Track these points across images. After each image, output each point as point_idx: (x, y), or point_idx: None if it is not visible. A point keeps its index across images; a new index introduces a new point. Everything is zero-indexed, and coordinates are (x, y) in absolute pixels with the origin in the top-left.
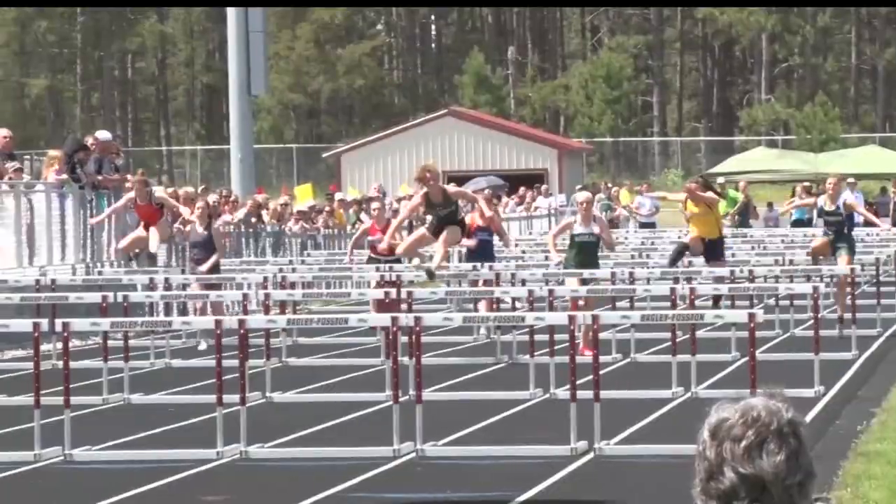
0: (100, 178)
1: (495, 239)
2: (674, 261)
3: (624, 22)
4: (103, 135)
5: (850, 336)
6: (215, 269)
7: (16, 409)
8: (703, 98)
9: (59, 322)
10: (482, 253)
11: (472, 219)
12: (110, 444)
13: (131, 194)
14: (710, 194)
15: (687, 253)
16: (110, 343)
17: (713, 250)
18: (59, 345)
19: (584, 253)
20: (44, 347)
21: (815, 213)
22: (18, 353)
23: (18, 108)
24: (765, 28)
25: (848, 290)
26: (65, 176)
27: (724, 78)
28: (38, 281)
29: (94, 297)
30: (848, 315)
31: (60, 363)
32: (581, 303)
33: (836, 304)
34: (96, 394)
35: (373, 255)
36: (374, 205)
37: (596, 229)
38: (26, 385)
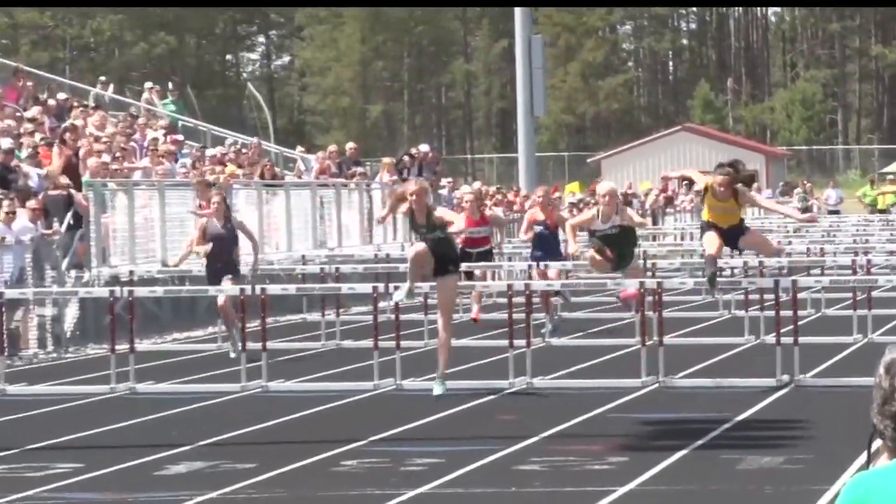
0: (423, 175)
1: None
2: (712, 282)
3: (816, 59)
4: (424, 147)
5: None
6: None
7: (359, 351)
8: (876, 115)
9: (391, 286)
10: (541, 246)
11: (532, 214)
12: (429, 376)
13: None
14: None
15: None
16: (430, 301)
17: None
18: (391, 302)
19: (611, 243)
20: (381, 305)
21: None
22: (362, 309)
23: (361, 127)
24: None
25: None
26: (395, 177)
27: (892, 100)
28: (375, 255)
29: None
30: None
31: (393, 316)
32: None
33: None
34: (419, 339)
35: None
36: (467, 197)
37: (617, 220)
38: (368, 332)
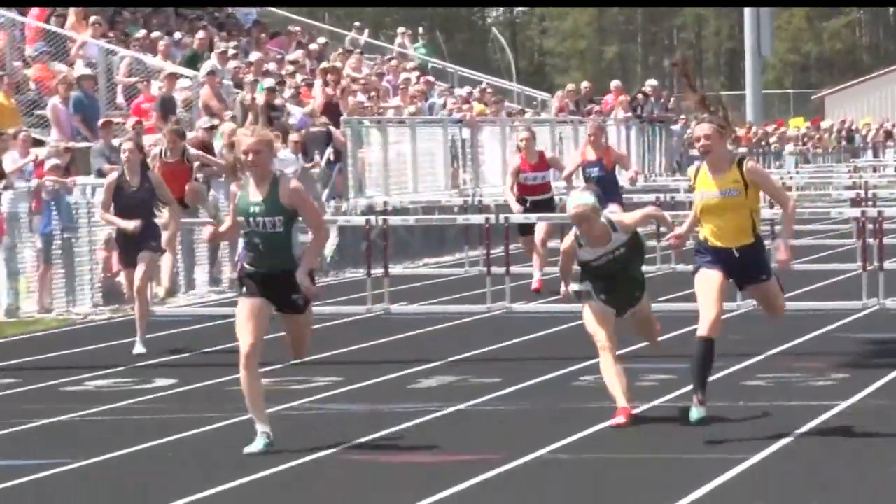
0: (655, 114)
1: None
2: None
3: None
4: (652, 82)
5: None
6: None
7: None
8: None
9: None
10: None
11: (581, 153)
12: (663, 298)
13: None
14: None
15: None
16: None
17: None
18: None
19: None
20: None
21: None
22: None
23: (597, 68)
24: None
25: None
26: (630, 114)
27: None
28: None
29: (647, 197)
30: None
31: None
32: None
33: None
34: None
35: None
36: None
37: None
38: None
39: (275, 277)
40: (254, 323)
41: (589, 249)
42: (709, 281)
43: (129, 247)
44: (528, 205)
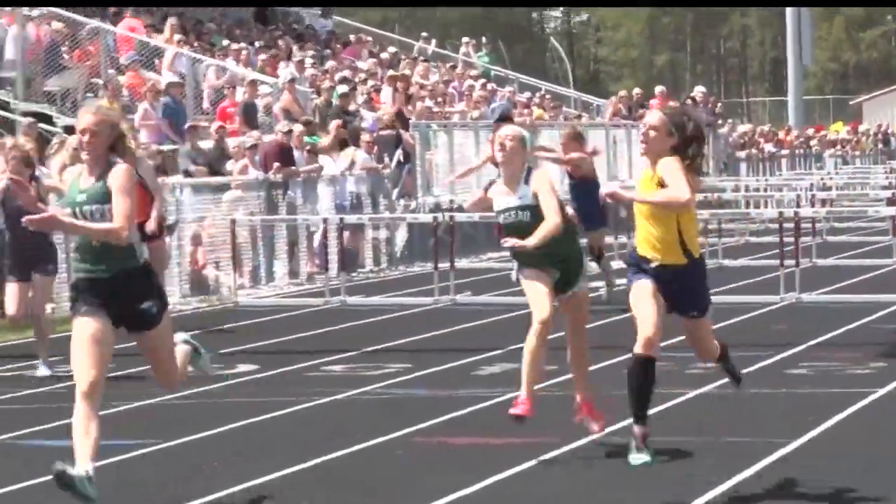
0: (703, 116)
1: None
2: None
3: None
4: (700, 88)
5: None
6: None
7: None
8: None
9: None
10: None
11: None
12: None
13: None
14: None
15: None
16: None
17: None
18: None
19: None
20: None
21: None
22: None
23: (648, 76)
24: None
25: None
26: None
27: None
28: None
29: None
30: None
31: None
32: None
33: None
34: None
35: None
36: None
37: (529, 191)
38: None
39: (117, 282)
40: (95, 351)
41: (502, 192)
42: (641, 291)
43: (22, 261)
44: None
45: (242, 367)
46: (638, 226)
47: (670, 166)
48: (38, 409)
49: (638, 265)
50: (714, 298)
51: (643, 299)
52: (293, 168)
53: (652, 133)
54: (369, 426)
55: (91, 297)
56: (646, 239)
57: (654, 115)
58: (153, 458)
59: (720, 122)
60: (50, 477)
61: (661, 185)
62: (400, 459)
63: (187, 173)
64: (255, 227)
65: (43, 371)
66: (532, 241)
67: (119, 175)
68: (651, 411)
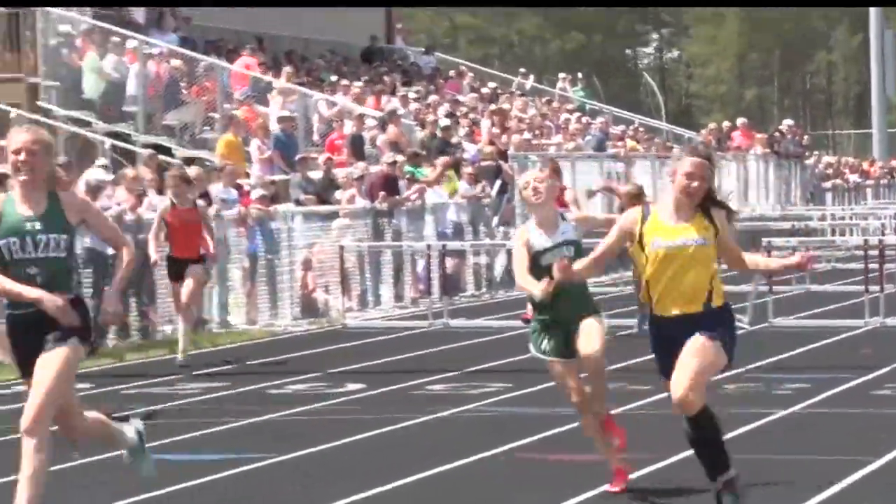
0: (791, 150)
1: None
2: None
3: None
4: (788, 122)
5: None
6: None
7: None
8: None
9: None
10: None
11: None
12: (799, 314)
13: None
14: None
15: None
16: None
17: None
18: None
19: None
20: None
21: None
22: None
23: (737, 109)
24: None
25: None
26: (767, 150)
27: None
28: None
29: (784, 225)
30: None
31: None
32: None
33: None
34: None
35: None
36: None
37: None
38: None
39: (50, 319)
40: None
41: (539, 234)
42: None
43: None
44: None
45: (350, 386)
46: (656, 280)
47: (731, 225)
48: (157, 425)
49: (657, 337)
50: (801, 323)
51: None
52: (398, 197)
53: (695, 184)
54: (470, 443)
55: (22, 339)
56: (669, 293)
57: (695, 162)
58: (268, 471)
59: (807, 153)
60: (171, 489)
61: (717, 231)
62: (499, 475)
63: (298, 202)
64: (362, 253)
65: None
66: (579, 264)
67: (85, 204)
68: (739, 431)
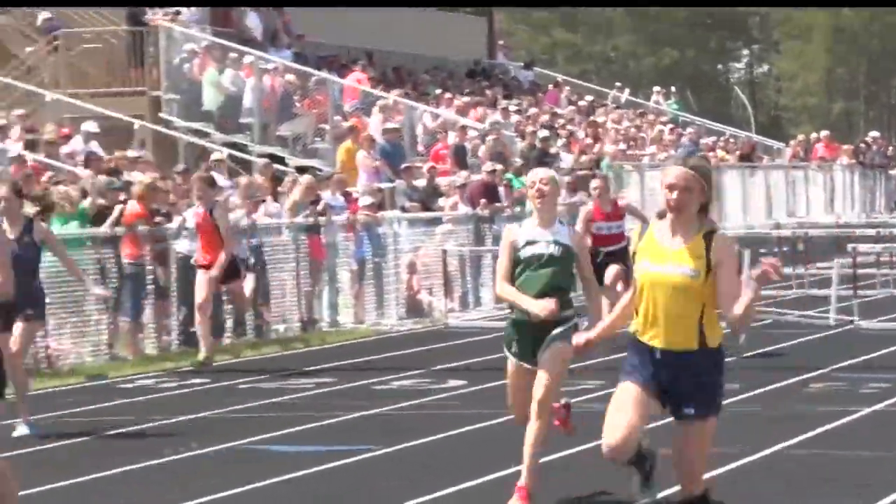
0: (876, 160)
1: None
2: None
3: None
4: (874, 133)
5: None
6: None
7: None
8: None
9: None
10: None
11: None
12: (879, 318)
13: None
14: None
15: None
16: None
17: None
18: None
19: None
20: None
21: None
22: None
23: (824, 121)
24: None
25: None
26: (854, 161)
27: None
28: (836, 222)
29: (869, 232)
30: None
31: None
32: None
33: None
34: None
35: None
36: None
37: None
38: None
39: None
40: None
41: (533, 226)
42: (624, 395)
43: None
44: (601, 256)
45: (452, 383)
46: (639, 306)
47: (734, 258)
48: (269, 419)
49: (635, 357)
50: (885, 325)
51: (621, 407)
52: (498, 204)
53: (675, 195)
54: (567, 437)
55: None
56: (651, 324)
57: (677, 172)
58: (374, 463)
59: (892, 164)
60: (284, 477)
61: (709, 265)
62: (591, 467)
63: (403, 209)
64: (463, 256)
65: (21, 431)
66: (595, 332)
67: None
68: (825, 428)
